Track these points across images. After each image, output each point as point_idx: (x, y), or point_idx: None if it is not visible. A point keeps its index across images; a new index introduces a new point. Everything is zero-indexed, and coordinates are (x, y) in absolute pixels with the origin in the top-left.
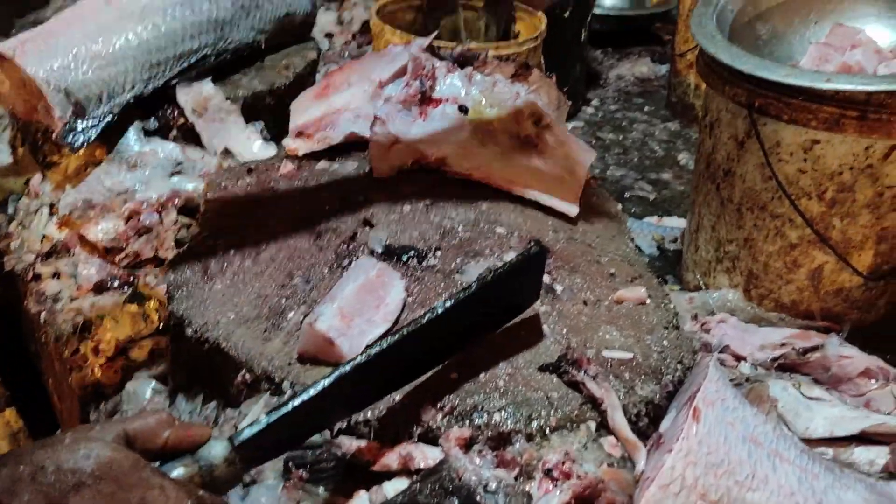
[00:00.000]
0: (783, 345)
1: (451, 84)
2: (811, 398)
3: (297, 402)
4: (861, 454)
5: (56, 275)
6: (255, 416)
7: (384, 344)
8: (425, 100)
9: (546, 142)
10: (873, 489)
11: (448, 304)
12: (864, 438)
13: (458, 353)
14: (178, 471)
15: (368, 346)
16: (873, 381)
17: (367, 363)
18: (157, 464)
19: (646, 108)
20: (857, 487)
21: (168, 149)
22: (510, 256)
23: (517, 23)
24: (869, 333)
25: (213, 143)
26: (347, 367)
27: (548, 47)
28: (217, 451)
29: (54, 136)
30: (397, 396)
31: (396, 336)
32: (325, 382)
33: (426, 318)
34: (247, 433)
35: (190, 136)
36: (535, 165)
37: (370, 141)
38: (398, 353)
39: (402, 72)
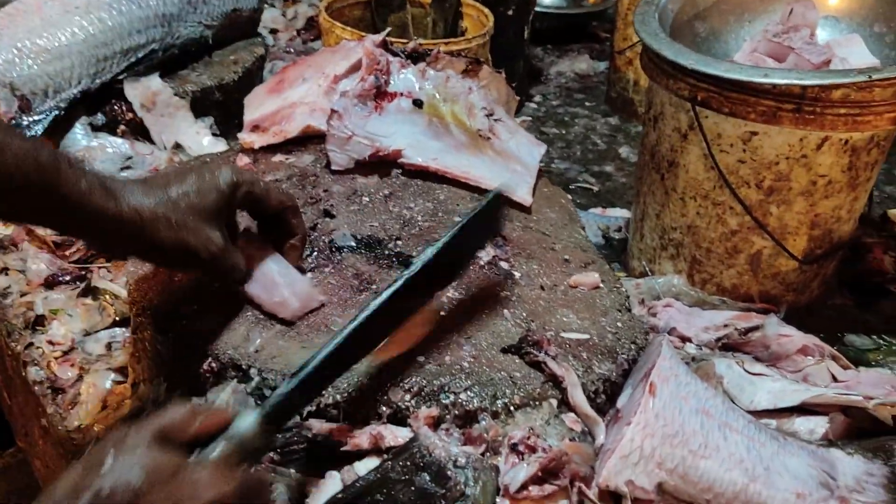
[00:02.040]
0: (726, 326)
1: (406, 79)
2: (754, 374)
3: (314, 363)
4: (802, 424)
5: (4, 270)
6: (223, 402)
7: (383, 296)
8: (381, 94)
9: (499, 135)
10: (815, 455)
11: (433, 250)
12: (805, 410)
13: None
14: (216, 452)
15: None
16: (810, 357)
17: (371, 316)
18: (197, 452)
19: (587, 104)
20: (800, 454)
21: (117, 144)
22: None
23: (464, 19)
24: (804, 313)
25: (163, 138)
26: (355, 324)
27: (493, 44)
28: (249, 424)
29: None
30: (365, 380)
31: (391, 287)
32: (338, 339)
33: (419, 264)
34: (274, 401)
35: (139, 131)
36: (489, 158)
37: (327, 134)
38: (391, 302)
39: (356, 67)
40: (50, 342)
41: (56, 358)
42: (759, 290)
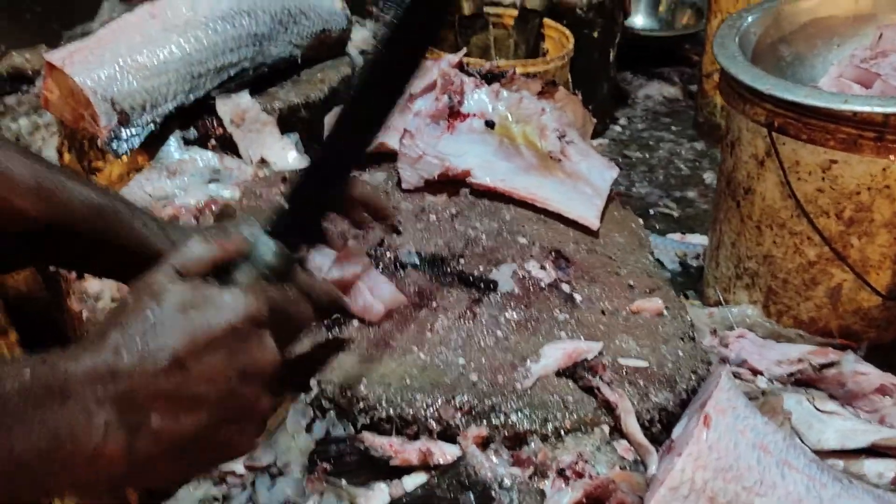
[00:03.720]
0: (800, 360)
1: (479, 99)
2: (825, 412)
3: (304, 175)
4: (871, 466)
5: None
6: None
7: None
8: (453, 114)
9: (570, 157)
10: (881, 499)
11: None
12: (875, 451)
13: None
14: (241, 276)
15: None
16: (888, 397)
17: (350, 107)
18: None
19: (673, 128)
20: (864, 498)
21: (206, 157)
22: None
23: (546, 41)
24: (886, 352)
25: (250, 152)
26: (336, 114)
27: (576, 66)
28: (266, 249)
29: (99, 143)
30: (419, 395)
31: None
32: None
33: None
34: (278, 220)
35: (227, 146)
36: (559, 179)
37: (399, 153)
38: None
39: (431, 87)
40: None
41: None
42: (839, 325)
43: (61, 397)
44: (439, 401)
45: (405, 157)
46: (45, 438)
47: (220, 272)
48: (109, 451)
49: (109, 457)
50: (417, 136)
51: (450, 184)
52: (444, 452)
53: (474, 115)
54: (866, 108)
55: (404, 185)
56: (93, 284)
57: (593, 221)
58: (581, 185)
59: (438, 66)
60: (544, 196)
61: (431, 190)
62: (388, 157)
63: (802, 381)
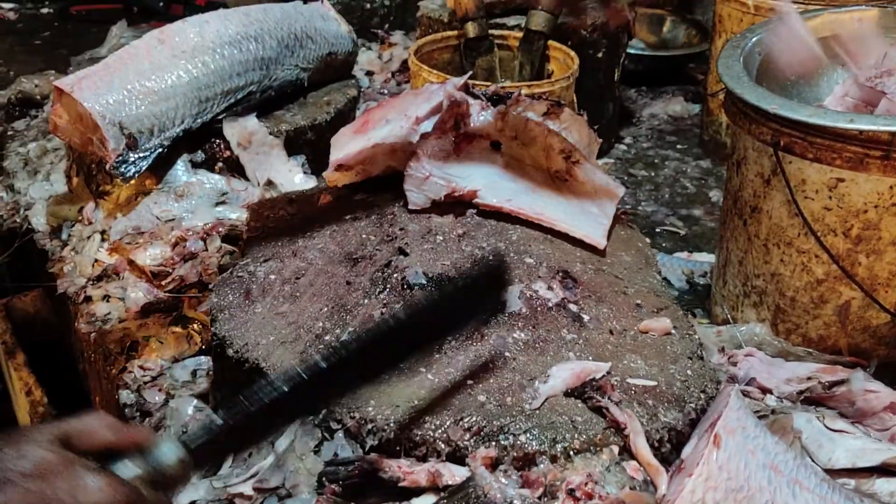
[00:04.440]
0: (809, 378)
1: (485, 121)
2: (835, 430)
3: (250, 407)
4: (882, 485)
5: (106, 297)
6: (289, 438)
7: (334, 350)
8: (459, 136)
9: (576, 177)
10: None
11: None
12: (886, 470)
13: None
14: (124, 468)
15: (321, 354)
16: None
17: (315, 369)
18: (98, 465)
19: (678, 146)
20: None
21: (214, 180)
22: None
23: (551, 62)
24: None
25: (257, 174)
26: (296, 372)
27: (581, 86)
28: (169, 452)
29: (107, 166)
30: (427, 416)
31: (348, 344)
32: (276, 389)
33: (370, 330)
34: (199, 435)
35: (235, 168)
36: (565, 199)
37: (405, 174)
38: (353, 356)
39: (437, 109)
40: (141, 367)
41: (146, 383)
42: (849, 343)
43: None
44: (448, 422)
45: (412, 178)
46: None
47: (110, 457)
48: None
49: None
50: (424, 158)
51: (457, 205)
52: (453, 474)
53: (480, 136)
54: (872, 127)
55: (411, 206)
56: (101, 307)
57: (600, 241)
58: (587, 204)
59: (444, 89)
60: (551, 216)
61: (438, 211)
62: (396, 179)
63: (812, 400)
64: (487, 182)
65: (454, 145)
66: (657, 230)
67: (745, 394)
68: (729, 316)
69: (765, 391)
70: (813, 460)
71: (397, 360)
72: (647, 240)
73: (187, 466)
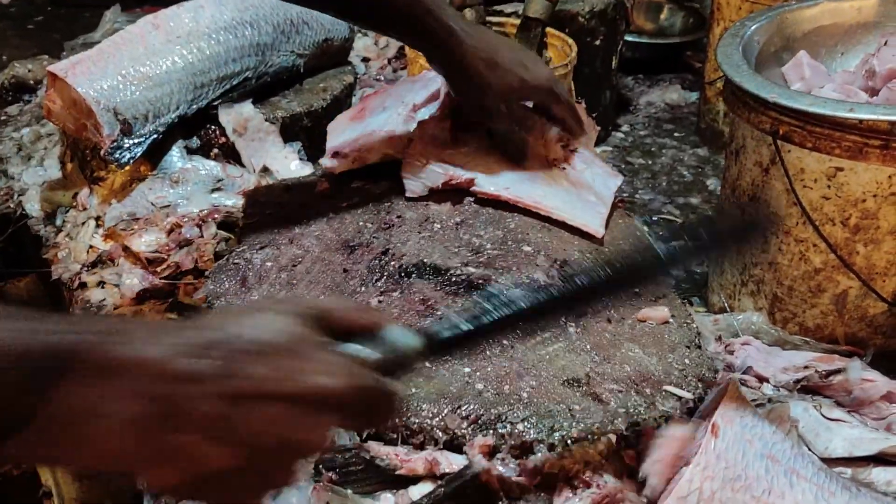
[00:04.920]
0: (806, 367)
1: None
2: (831, 419)
3: (495, 316)
4: (879, 474)
5: (101, 284)
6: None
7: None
8: (457, 123)
9: (574, 165)
10: None
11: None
12: (883, 459)
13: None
14: (355, 349)
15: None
16: (895, 405)
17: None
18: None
19: (675, 134)
20: None
21: (209, 166)
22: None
23: (548, 49)
24: (893, 359)
25: (253, 161)
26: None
27: (579, 74)
28: (407, 340)
29: (102, 152)
30: (424, 404)
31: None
32: (517, 307)
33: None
34: (445, 334)
35: (230, 155)
36: (563, 188)
37: (403, 162)
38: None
39: (435, 96)
40: None
41: None
42: (845, 332)
43: (108, 373)
44: (445, 410)
45: (409, 165)
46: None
47: (345, 335)
48: (124, 445)
49: (121, 449)
50: (421, 146)
51: (454, 192)
52: (451, 462)
53: (477, 124)
54: (872, 116)
55: (408, 194)
56: (96, 293)
57: (598, 230)
58: (585, 193)
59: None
60: (549, 204)
61: (435, 199)
62: (393, 166)
63: (809, 389)
64: (484, 170)
65: (451, 133)
66: (654, 218)
67: (742, 382)
68: (726, 304)
69: (761, 380)
70: (810, 449)
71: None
72: (646, 228)
73: (419, 354)
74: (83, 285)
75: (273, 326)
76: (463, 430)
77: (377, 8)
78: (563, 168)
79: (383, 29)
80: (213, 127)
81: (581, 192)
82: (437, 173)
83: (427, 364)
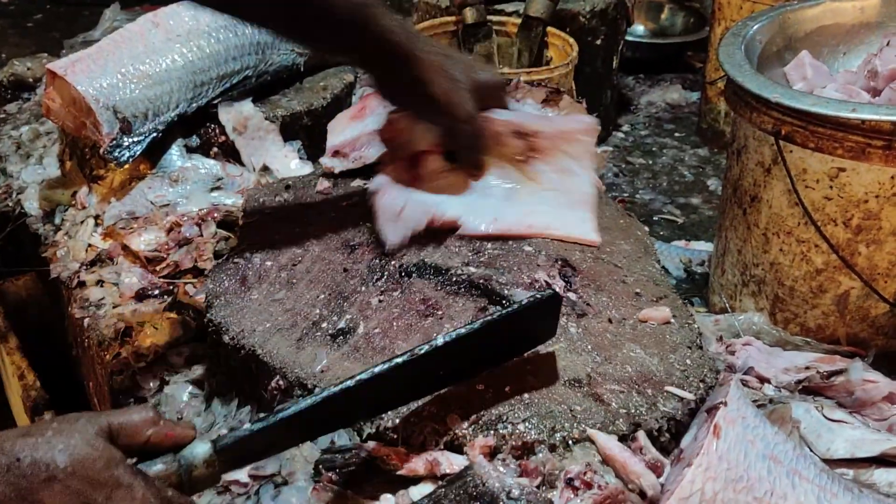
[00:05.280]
0: (807, 368)
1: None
2: (833, 420)
3: (283, 415)
4: (881, 476)
5: (100, 282)
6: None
7: (374, 371)
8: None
9: (541, 149)
10: None
11: (446, 339)
12: (885, 461)
13: (461, 381)
14: (156, 468)
15: (356, 375)
16: None
17: (354, 387)
18: (135, 460)
19: (676, 134)
20: None
21: (209, 165)
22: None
23: (549, 49)
24: (894, 359)
25: (252, 160)
26: (334, 390)
27: (579, 73)
28: (199, 452)
29: (101, 151)
30: (425, 405)
31: (386, 365)
32: (310, 401)
33: (422, 350)
34: (231, 439)
35: (230, 154)
36: (544, 196)
37: (378, 210)
38: (390, 378)
39: None
40: (136, 353)
41: (140, 368)
42: (847, 333)
43: None
44: (446, 410)
45: (385, 212)
46: None
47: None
48: None
49: None
50: (391, 185)
51: (438, 233)
52: (451, 462)
53: (430, 151)
54: (874, 117)
55: (388, 248)
56: (94, 292)
57: (594, 239)
58: (567, 189)
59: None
60: (540, 224)
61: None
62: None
63: (810, 389)
64: (464, 202)
65: (409, 166)
66: (655, 218)
67: (744, 383)
68: (727, 305)
69: (763, 381)
70: (811, 450)
71: (431, 388)
72: (646, 228)
73: (216, 469)
74: (82, 284)
75: (70, 447)
76: (464, 431)
77: (322, 20)
78: (528, 159)
79: (328, 47)
80: (212, 125)
81: (559, 196)
82: (418, 214)
83: (224, 472)
